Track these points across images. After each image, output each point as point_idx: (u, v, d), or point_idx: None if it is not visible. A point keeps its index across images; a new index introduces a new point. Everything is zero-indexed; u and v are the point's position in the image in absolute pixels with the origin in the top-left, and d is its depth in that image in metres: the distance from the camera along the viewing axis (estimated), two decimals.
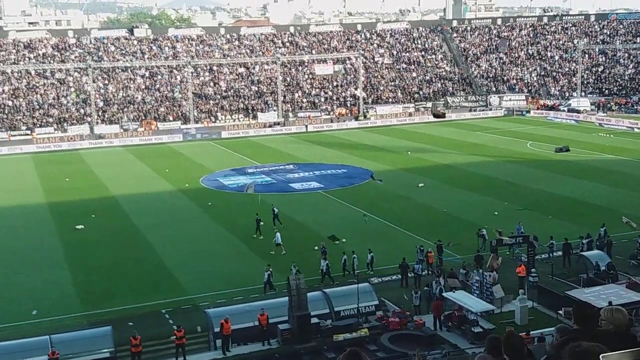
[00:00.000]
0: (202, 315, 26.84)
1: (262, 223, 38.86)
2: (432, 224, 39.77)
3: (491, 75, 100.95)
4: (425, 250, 32.89)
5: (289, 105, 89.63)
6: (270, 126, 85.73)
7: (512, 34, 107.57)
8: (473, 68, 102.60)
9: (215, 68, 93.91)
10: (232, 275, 32.23)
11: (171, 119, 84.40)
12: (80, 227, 41.69)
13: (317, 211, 44.77)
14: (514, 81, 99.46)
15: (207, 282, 31.61)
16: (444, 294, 27.50)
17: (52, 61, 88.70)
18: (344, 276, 31.54)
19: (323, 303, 27.22)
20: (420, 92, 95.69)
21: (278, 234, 36.17)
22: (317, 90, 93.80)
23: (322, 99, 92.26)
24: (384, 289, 30.15)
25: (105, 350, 23.92)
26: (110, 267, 34.42)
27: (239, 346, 25.29)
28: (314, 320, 25.80)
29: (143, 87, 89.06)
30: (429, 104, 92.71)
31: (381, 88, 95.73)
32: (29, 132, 78.11)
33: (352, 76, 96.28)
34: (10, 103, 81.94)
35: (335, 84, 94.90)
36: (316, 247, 35.19)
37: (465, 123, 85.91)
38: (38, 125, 79.26)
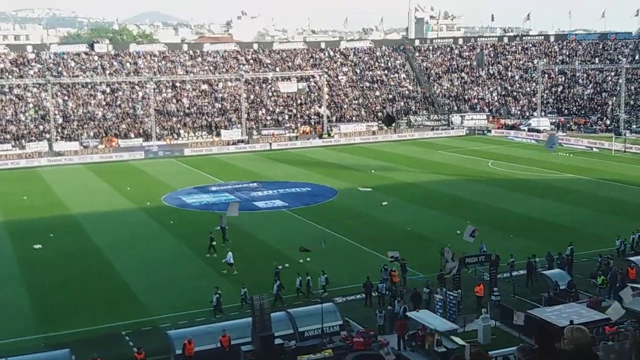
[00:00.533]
0: (163, 337, 26.34)
1: (214, 243, 38.48)
2: (395, 242, 39.73)
3: (453, 95, 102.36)
4: (389, 269, 32.89)
5: (252, 123, 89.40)
6: (234, 144, 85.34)
7: (473, 54, 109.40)
8: (435, 87, 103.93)
9: (177, 84, 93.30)
10: (194, 295, 31.75)
11: (132, 136, 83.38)
12: (38, 246, 40.71)
13: (281, 229, 44.55)
14: (475, 100, 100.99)
15: (168, 302, 31.09)
16: (407, 314, 27.49)
17: (10, 76, 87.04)
18: (298, 297, 31.26)
19: (287, 323, 26.96)
20: (384, 111, 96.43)
21: (230, 253, 35.76)
22: (281, 108, 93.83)
23: (286, 117, 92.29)
24: (348, 308, 30.02)
25: None
26: (69, 287, 33.65)
27: None
28: (278, 340, 25.53)
29: (104, 103, 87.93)
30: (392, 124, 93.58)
31: (345, 106, 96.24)
32: None
33: (315, 94, 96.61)
34: None
35: (299, 101, 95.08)
36: (280, 267, 35.00)
37: (428, 142, 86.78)
38: None
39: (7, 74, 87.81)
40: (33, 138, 79.74)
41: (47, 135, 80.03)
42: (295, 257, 37.31)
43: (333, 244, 39.79)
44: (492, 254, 32.60)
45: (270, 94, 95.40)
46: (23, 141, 78.82)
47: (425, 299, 29.83)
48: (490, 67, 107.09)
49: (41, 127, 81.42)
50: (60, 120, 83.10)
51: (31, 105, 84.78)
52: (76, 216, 49.21)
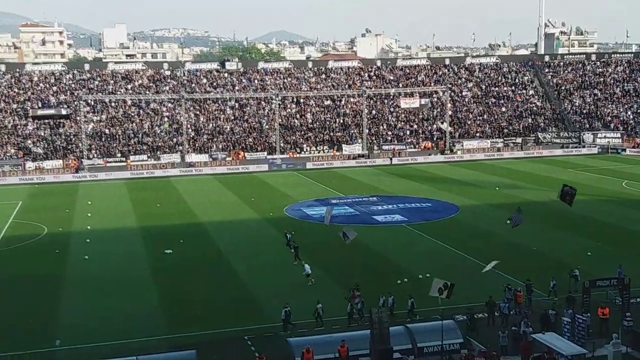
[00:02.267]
0: (283, 344, 26.81)
1: (296, 246, 40.41)
2: (521, 263, 38.42)
3: (585, 112, 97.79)
4: (513, 289, 31.78)
5: (373, 138, 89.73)
6: (354, 158, 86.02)
7: (607, 70, 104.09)
8: (566, 104, 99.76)
9: (302, 100, 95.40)
10: (312, 304, 32.05)
11: (258, 149, 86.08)
12: (169, 251, 42.85)
13: (400, 244, 44.22)
14: (609, 118, 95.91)
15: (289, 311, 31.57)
16: (533, 335, 26.40)
17: (147, 92, 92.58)
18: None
19: (405, 338, 26.66)
20: (510, 127, 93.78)
21: (306, 265, 36.74)
22: (402, 123, 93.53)
23: (408, 132, 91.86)
24: (469, 327, 29.20)
25: None
26: (195, 291, 35.09)
27: None
28: (396, 355, 25.28)
29: (232, 118, 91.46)
30: (519, 139, 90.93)
31: (468, 122, 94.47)
32: (123, 159, 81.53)
33: (438, 110, 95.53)
34: (107, 131, 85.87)
35: (421, 117, 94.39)
36: (399, 281, 34.91)
37: (557, 160, 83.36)
38: (132, 153, 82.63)
39: (144, 89, 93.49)
40: (167, 150, 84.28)
41: (180, 148, 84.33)
42: (415, 272, 36.91)
43: (453, 260, 39.03)
44: (625, 278, 30.68)
45: (391, 109, 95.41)
46: (158, 152, 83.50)
47: (552, 321, 28.54)
48: (625, 84, 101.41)
49: (174, 140, 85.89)
50: (192, 134, 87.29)
51: (166, 119, 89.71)
52: (204, 224, 51.36)
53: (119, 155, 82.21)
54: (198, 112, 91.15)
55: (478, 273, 37.23)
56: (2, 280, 38.02)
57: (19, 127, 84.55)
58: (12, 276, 38.64)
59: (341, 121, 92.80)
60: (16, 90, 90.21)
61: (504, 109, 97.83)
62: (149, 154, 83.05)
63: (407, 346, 26.36)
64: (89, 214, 56.04)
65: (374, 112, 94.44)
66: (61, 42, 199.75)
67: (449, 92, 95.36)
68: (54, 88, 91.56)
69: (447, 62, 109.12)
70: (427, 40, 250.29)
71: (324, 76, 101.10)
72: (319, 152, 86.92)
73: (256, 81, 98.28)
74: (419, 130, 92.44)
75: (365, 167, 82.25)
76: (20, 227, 51.82)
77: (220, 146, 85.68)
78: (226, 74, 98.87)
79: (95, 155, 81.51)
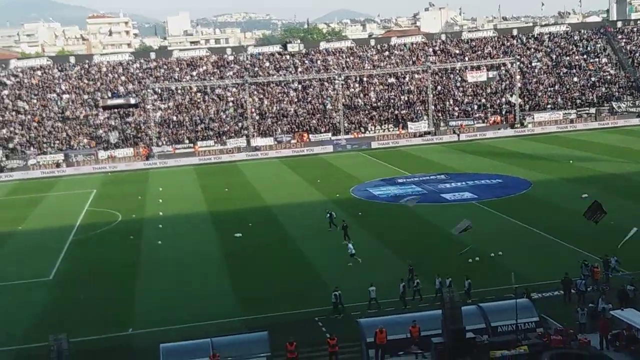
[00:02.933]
0: (354, 324, 26.70)
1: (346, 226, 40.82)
2: (597, 238, 37.02)
3: None
4: (590, 265, 30.68)
5: (440, 114, 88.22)
6: (420, 136, 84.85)
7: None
8: None
9: (365, 79, 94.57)
10: (381, 285, 31.77)
11: (322, 130, 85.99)
12: (238, 235, 43.39)
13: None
14: None
15: (357, 291, 31.44)
16: (611, 312, 25.41)
17: (211, 78, 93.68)
18: (435, 299, 29.63)
19: (478, 318, 26.09)
20: (583, 98, 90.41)
21: (350, 245, 37.02)
22: (470, 98, 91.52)
23: (475, 107, 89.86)
24: (545, 305, 28.38)
25: (262, 354, 24.35)
26: (265, 273, 35.46)
27: (391, 357, 24.86)
28: (469, 335, 24.78)
29: (295, 100, 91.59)
30: (593, 110, 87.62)
31: (539, 94, 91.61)
32: (191, 145, 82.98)
33: (507, 82, 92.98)
34: (174, 118, 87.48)
35: (488, 91, 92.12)
36: (470, 260, 34.33)
37: (633, 129, 79.99)
38: (199, 139, 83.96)
39: (209, 75, 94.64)
40: (232, 134, 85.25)
41: (245, 132, 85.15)
42: (487, 250, 36.14)
43: (526, 237, 38.03)
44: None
45: (458, 84, 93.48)
46: (224, 137, 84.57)
47: (631, 297, 27.42)
48: None
49: (240, 124, 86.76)
50: (257, 117, 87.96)
51: (230, 104, 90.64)
52: (271, 207, 51.75)
53: (187, 141, 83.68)
54: (262, 96, 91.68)
55: (551, 249, 36.17)
56: (80, 266, 39.37)
57: (90, 117, 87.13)
58: (90, 262, 39.96)
59: (406, 98, 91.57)
60: (86, 81, 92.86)
61: (576, 79, 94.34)
62: (215, 139, 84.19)
63: (480, 326, 25.82)
64: (160, 200, 57.34)
65: (439, 87, 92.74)
66: (127, 32, 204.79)
67: (518, 63, 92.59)
68: (122, 78, 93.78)
69: (515, 32, 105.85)
70: (493, 11, 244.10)
71: (387, 53, 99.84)
72: (383, 131, 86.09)
73: (318, 62, 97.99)
74: (487, 105, 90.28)
75: (431, 144, 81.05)
76: (95, 215, 53.52)
77: (285, 129, 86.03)
78: (288, 56, 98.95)
79: (164, 142, 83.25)
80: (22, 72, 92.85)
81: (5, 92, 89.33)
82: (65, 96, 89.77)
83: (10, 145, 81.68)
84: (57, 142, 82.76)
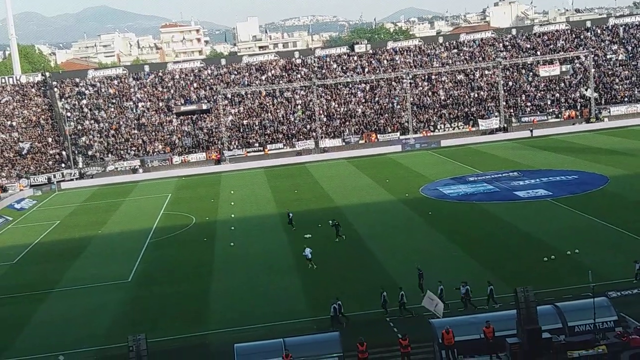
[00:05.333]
0: (425, 325, 26.49)
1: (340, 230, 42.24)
2: None
3: None
4: None
5: (511, 110, 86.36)
6: (491, 132, 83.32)
7: None
8: None
9: (433, 77, 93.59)
10: (451, 285, 31.37)
11: (390, 130, 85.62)
12: (308, 236, 43.71)
13: (545, 220, 42.24)
14: None
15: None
16: None
17: (280, 81, 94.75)
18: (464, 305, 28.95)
19: (555, 317, 25.43)
20: None
21: (307, 249, 37.26)
22: (542, 93, 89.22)
23: (548, 102, 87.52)
24: (624, 303, 27.42)
25: (334, 354, 24.49)
26: (336, 274, 35.58)
27: (465, 358, 24.54)
28: (546, 335, 24.20)
29: (363, 100, 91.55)
30: None
31: (615, 87, 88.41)
32: (261, 148, 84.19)
33: (581, 76, 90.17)
34: (245, 122, 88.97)
35: (562, 85, 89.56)
36: (545, 259, 33.49)
37: None
38: (269, 142, 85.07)
39: (277, 79, 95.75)
40: (301, 137, 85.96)
41: (314, 134, 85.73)
42: (562, 249, 35.18)
43: (604, 235, 36.79)
44: None
45: (530, 79, 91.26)
46: (293, 140, 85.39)
47: None
48: None
49: (308, 127, 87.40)
50: (325, 119, 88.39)
51: (299, 106, 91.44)
52: (341, 208, 51.89)
53: (257, 145, 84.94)
54: (329, 98, 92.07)
55: (631, 246, 34.89)
56: (157, 268, 40.57)
57: (164, 123, 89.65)
58: (166, 264, 41.14)
59: (475, 95, 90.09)
60: (160, 88, 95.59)
61: None
62: (284, 142, 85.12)
63: (557, 325, 25.17)
64: (232, 203, 58.44)
65: (510, 83, 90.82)
66: (198, 40, 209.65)
67: (592, 56, 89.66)
68: (194, 84, 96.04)
69: (589, 24, 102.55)
70: (565, 4, 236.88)
71: (455, 50, 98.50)
72: (453, 129, 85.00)
73: (386, 61, 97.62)
74: (561, 99, 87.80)
75: (503, 141, 79.41)
76: (171, 218, 55.05)
77: (353, 129, 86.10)
78: (355, 57, 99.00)
79: (235, 146, 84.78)
80: (100, 82, 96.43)
81: (84, 101, 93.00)
82: (140, 104, 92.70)
83: (90, 153, 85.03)
84: (134, 148, 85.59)
